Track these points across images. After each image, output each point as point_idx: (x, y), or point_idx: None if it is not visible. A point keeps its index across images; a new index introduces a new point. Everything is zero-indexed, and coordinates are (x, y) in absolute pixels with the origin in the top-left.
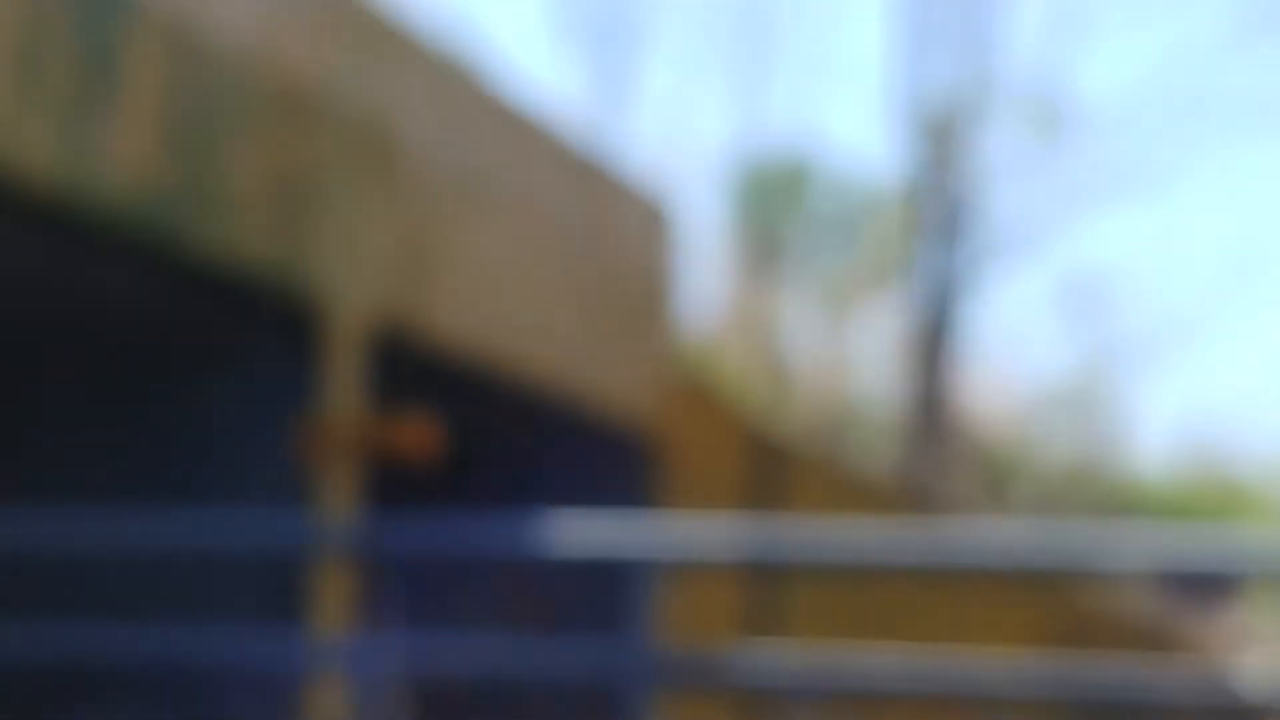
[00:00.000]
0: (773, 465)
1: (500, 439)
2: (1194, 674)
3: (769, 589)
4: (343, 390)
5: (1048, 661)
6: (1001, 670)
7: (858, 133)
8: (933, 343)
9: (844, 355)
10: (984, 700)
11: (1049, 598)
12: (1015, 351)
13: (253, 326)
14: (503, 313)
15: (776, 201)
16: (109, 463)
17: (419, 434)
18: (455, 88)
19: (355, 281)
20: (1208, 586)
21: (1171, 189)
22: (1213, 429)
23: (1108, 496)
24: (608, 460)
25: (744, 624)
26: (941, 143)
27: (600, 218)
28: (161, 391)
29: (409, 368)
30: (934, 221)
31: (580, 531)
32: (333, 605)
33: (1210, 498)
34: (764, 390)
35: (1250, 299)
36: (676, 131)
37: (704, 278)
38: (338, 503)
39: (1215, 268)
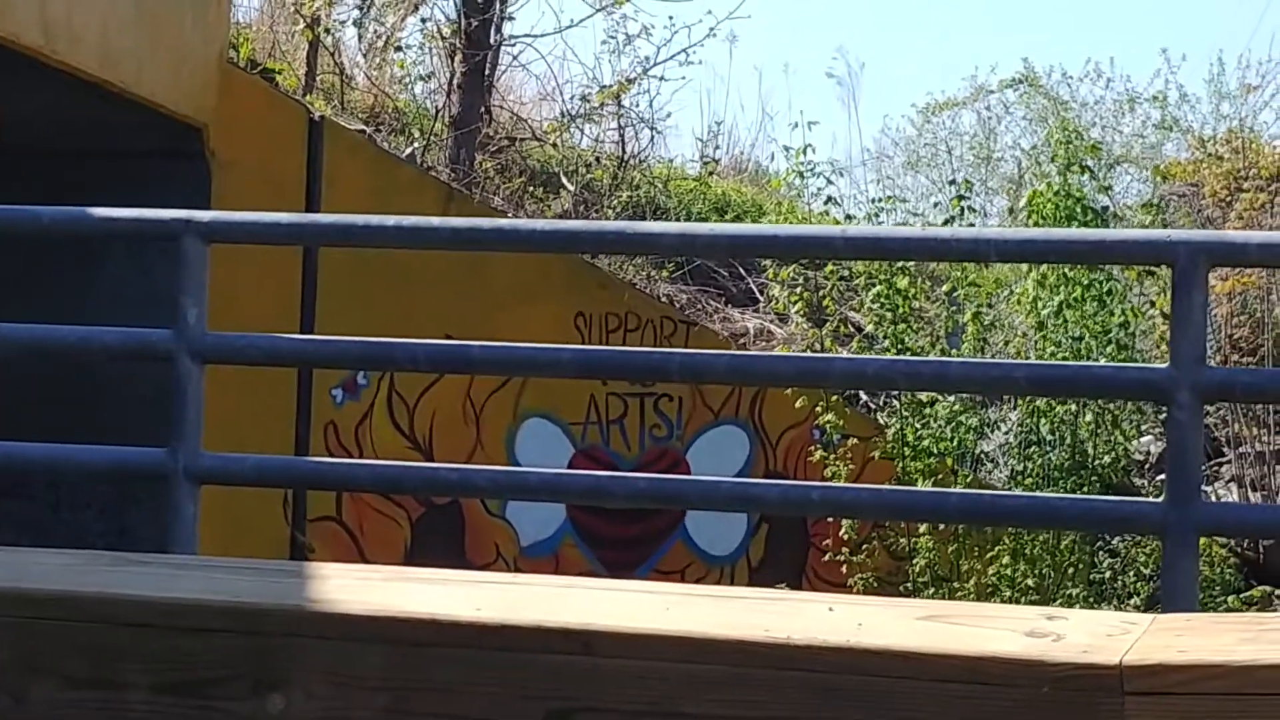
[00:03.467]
0: (324, 156)
1: (52, 129)
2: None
3: (312, 271)
4: None
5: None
6: (541, 351)
7: None
8: (479, 39)
9: (393, 49)
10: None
11: (586, 289)
12: (559, 52)
13: None
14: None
15: None
16: None
17: None
18: None
19: None
20: (736, 282)
21: None
22: (743, 130)
23: (644, 194)
24: (165, 148)
25: (290, 304)
26: None
27: None
28: None
29: None
30: None
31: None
32: None
33: (741, 197)
34: (317, 82)
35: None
36: None
37: None
38: None
39: None
